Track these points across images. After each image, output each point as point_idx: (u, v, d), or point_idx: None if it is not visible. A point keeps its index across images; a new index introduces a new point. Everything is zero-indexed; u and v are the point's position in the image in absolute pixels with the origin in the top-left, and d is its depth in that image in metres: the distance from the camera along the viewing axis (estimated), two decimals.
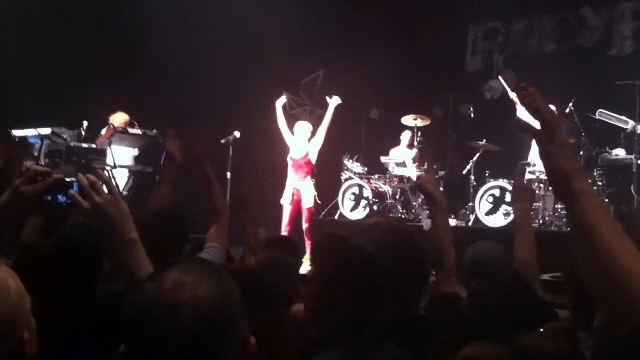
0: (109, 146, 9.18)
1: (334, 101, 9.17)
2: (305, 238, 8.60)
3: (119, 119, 9.42)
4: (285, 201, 8.93)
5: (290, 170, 9.00)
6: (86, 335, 2.39)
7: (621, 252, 1.40)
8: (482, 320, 2.40)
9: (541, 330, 2.15)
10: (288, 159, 9.06)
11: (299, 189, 8.89)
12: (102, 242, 3.03)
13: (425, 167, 9.58)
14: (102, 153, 9.17)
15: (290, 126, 9.25)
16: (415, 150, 10.25)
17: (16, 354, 1.61)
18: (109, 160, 9.16)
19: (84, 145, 9.12)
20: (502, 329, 2.21)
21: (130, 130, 9.55)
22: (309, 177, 8.96)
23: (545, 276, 4.67)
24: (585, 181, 1.53)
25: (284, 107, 9.45)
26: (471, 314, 2.51)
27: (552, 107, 2.93)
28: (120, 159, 9.32)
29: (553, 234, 8.11)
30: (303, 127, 9.20)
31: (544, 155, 1.51)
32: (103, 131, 9.31)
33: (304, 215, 8.83)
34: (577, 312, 2.94)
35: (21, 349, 1.62)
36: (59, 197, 1.87)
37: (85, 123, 9.36)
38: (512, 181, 8.84)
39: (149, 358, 1.28)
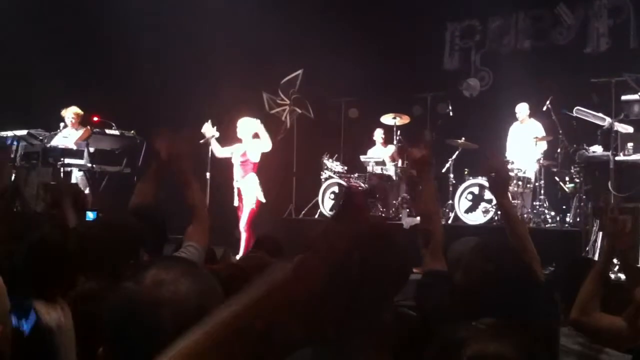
0: (87, 147, 9.11)
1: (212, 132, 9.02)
2: (245, 234, 8.56)
3: (69, 113, 9.29)
4: (236, 202, 8.86)
5: (234, 170, 8.91)
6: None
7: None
8: (476, 295, 2.39)
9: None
10: (232, 158, 8.94)
11: (239, 188, 8.81)
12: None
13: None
14: (79, 154, 9.09)
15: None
16: (392, 148, 10.26)
17: None
18: (87, 161, 9.09)
19: (61, 146, 9.04)
20: (497, 304, 2.23)
21: (108, 131, 9.48)
22: (250, 175, 8.78)
23: None
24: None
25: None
26: (464, 289, 2.49)
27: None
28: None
29: (531, 230, 8.14)
30: (246, 124, 8.92)
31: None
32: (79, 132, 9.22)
33: (244, 214, 8.75)
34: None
35: None
36: None
37: (62, 125, 9.29)
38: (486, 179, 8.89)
39: (130, 358, 1.26)
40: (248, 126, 8.90)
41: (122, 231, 3.10)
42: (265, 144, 8.83)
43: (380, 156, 10.20)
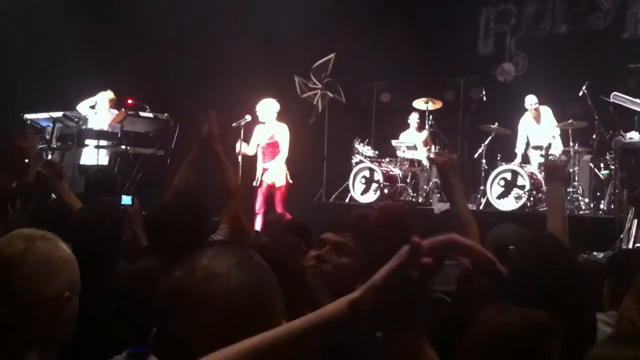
0: (121, 130, 9.21)
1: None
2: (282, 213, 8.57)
3: (104, 97, 9.39)
4: (256, 183, 8.86)
5: (259, 153, 8.91)
6: (101, 319, 2.42)
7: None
8: (524, 287, 2.39)
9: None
10: (256, 140, 8.93)
11: (265, 169, 8.81)
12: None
13: (436, 150, 9.54)
14: (114, 136, 9.20)
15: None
16: (425, 133, 10.20)
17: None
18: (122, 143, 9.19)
19: (96, 128, 9.16)
20: (542, 293, 2.22)
21: (142, 114, 9.57)
22: (277, 157, 8.76)
23: None
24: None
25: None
26: (511, 281, 2.50)
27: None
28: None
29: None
30: (268, 106, 8.88)
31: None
32: (112, 114, 9.31)
33: (276, 196, 8.77)
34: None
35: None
36: None
37: (97, 106, 9.37)
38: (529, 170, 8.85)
39: (176, 348, 1.26)
40: (270, 107, 8.86)
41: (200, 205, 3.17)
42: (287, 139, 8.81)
43: (413, 140, 10.14)
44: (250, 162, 9.08)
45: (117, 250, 3.00)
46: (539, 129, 9.41)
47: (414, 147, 10.03)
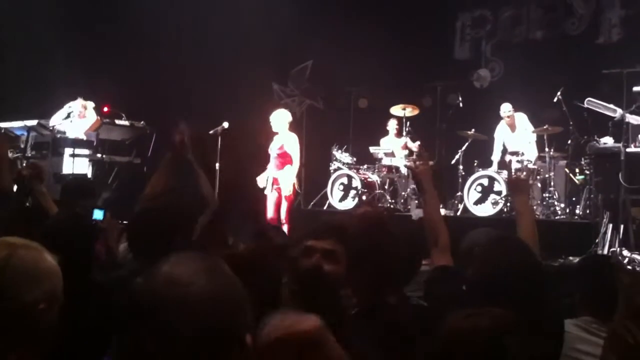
0: (97, 138, 9.14)
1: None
2: (285, 224, 8.60)
3: (77, 105, 9.33)
4: (267, 191, 8.90)
5: (271, 161, 8.95)
6: (83, 320, 2.41)
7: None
8: (487, 288, 2.43)
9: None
10: (269, 150, 9.00)
11: (276, 178, 8.84)
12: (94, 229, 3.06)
13: (415, 155, 9.57)
14: (89, 144, 9.13)
15: None
16: (404, 139, 10.23)
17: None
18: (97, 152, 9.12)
19: (71, 136, 9.08)
20: (504, 293, 2.26)
21: (118, 122, 9.51)
22: (287, 167, 8.82)
23: None
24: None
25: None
26: (476, 282, 2.55)
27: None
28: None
29: (540, 222, 8.12)
30: (281, 116, 8.93)
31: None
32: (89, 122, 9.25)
33: (284, 205, 8.80)
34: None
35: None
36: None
37: (72, 115, 9.31)
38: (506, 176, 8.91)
39: (135, 354, 1.25)
40: (282, 117, 8.89)
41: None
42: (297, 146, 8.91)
43: (392, 147, 10.17)
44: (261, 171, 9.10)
45: (90, 256, 2.98)
46: (515, 136, 9.51)
47: (392, 154, 10.06)
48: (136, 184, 8.36)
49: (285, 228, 8.60)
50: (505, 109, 9.48)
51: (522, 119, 9.49)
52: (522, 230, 3.21)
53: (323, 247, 2.66)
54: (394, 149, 10.14)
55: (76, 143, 9.05)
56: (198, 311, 1.23)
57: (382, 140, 10.43)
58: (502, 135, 9.62)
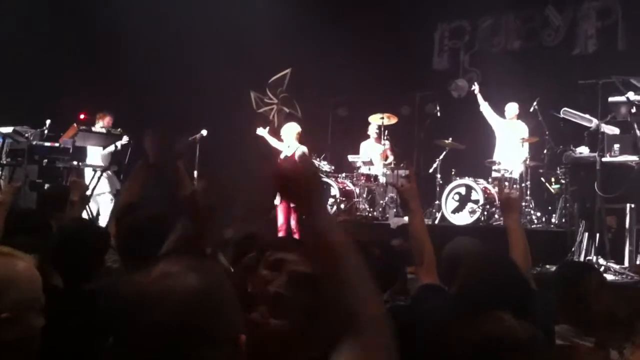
0: (73, 145, 9.04)
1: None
2: (296, 233, 8.62)
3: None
4: (277, 201, 8.95)
5: None
6: (75, 327, 2.38)
7: None
8: (470, 305, 2.44)
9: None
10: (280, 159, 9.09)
11: None
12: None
13: (403, 171, 9.64)
14: (65, 152, 9.03)
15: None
16: (384, 145, 10.24)
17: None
18: (73, 159, 9.02)
19: (47, 144, 8.98)
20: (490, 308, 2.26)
21: (94, 129, 9.42)
22: None
23: None
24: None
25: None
26: (458, 299, 2.56)
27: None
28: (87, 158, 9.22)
29: None
30: (290, 128, 9.25)
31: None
32: None
33: (293, 214, 8.84)
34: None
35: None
36: None
37: (48, 122, 9.21)
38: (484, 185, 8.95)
39: (132, 349, 1.26)
40: (291, 130, 9.18)
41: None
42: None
43: (371, 152, 10.19)
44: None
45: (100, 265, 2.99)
46: (508, 141, 9.51)
47: (370, 162, 10.07)
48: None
49: (296, 237, 8.63)
50: (511, 109, 9.51)
51: (521, 127, 9.46)
52: (513, 248, 3.24)
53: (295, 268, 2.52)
54: (373, 154, 10.15)
55: (52, 150, 8.95)
56: (188, 305, 1.26)
57: (363, 144, 10.44)
58: (501, 136, 9.62)
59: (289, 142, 9.13)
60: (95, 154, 9.44)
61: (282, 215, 8.92)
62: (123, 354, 1.27)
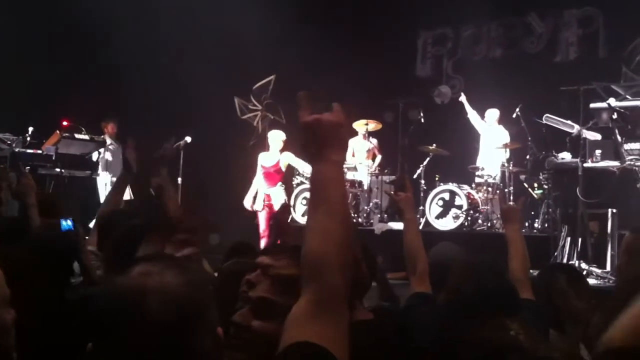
0: (55, 152, 8.99)
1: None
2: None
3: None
4: (258, 207, 8.99)
5: (261, 178, 9.10)
6: (56, 337, 2.37)
7: None
8: (460, 314, 2.47)
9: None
10: (259, 166, 9.12)
11: (269, 195, 8.97)
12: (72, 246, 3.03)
13: (387, 177, 9.70)
14: (47, 159, 8.97)
15: None
16: (371, 143, 10.26)
17: None
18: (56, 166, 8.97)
19: (29, 151, 8.92)
20: (479, 322, 2.28)
21: (78, 136, 9.37)
22: (279, 184, 9.11)
23: None
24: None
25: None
26: (448, 307, 2.58)
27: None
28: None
29: (499, 235, 8.21)
30: (276, 136, 9.30)
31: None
32: None
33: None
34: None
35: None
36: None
37: (30, 129, 9.14)
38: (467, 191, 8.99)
39: (120, 349, 1.28)
40: (277, 137, 9.24)
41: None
42: (292, 162, 9.23)
43: (357, 148, 10.23)
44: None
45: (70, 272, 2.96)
46: (490, 147, 9.57)
47: (354, 169, 10.09)
48: (95, 198, 8.30)
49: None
50: (491, 115, 9.61)
51: (502, 133, 9.54)
52: (513, 258, 3.24)
53: (276, 273, 2.49)
54: (358, 150, 10.17)
55: (35, 157, 8.89)
56: (174, 297, 1.30)
57: (350, 141, 10.46)
58: (483, 142, 9.68)
59: (274, 148, 9.17)
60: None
61: (264, 222, 8.92)
62: (106, 351, 1.29)
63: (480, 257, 2.97)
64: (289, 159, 9.20)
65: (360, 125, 10.37)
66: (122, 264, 2.77)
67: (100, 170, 9.59)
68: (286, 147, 9.25)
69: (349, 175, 10.08)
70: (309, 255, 1.44)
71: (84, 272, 3.22)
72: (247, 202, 9.13)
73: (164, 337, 1.27)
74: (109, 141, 9.82)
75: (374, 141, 10.27)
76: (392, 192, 3.58)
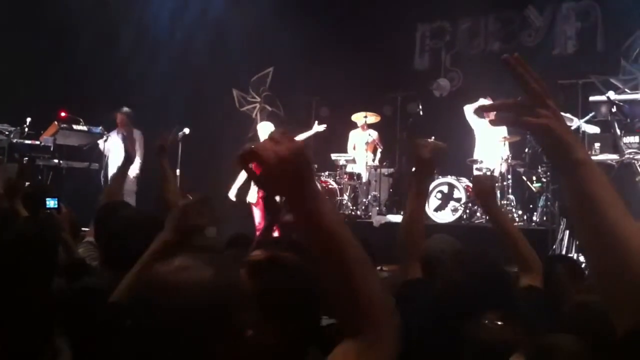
0: (53, 143, 8.98)
1: (318, 127, 9.66)
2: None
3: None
4: (252, 199, 8.96)
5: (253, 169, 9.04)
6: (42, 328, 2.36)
7: (628, 230, 1.23)
8: (453, 302, 2.47)
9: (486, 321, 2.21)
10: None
11: None
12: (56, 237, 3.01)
13: (386, 170, 9.68)
14: (45, 150, 8.96)
15: None
16: (370, 133, 10.25)
17: None
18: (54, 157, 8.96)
19: (27, 142, 8.90)
20: (472, 310, 2.28)
21: (76, 127, 9.35)
22: None
23: None
24: (585, 151, 1.36)
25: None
26: (442, 296, 2.56)
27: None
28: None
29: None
30: (266, 127, 9.30)
31: (536, 132, 1.34)
32: None
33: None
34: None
35: None
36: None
37: (28, 120, 9.12)
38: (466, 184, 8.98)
39: (145, 336, 1.31)
40: (267, 129, 9.21)
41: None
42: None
43: (357, 140, 10.25)
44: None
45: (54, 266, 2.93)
46: (488, 140, 9.55)
47: (353, 161, 10.10)
48: (93, 190, 8.27)
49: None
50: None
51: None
52: (516, 245, 3.01)
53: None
54: (358, 142, 10.16)
55: (32, 148, 8.88)
56: (203, 294, 1.31)
57: (351, 133, 10.49)
58: (481, 135, 9.64)
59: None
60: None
61: (259, 215, 8.90)
62: (140, 336, 1.32)
63: (472, 247, 2.89)
64: None
65: (359, 118, 10.38)
66: (116, 255, 2.79)
67: (109, 161, 9.41)
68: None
69: (348, 168, 10.08)
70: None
71: (63, 249, 3.25)
72: (232, 193, 9.09)
73: (186, 332, 1.28)
74: (117, 132, 9.59)
75: (374, 134, 10.26)
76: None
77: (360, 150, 10.20)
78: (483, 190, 3.14)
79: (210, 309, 1.31)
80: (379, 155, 10.27)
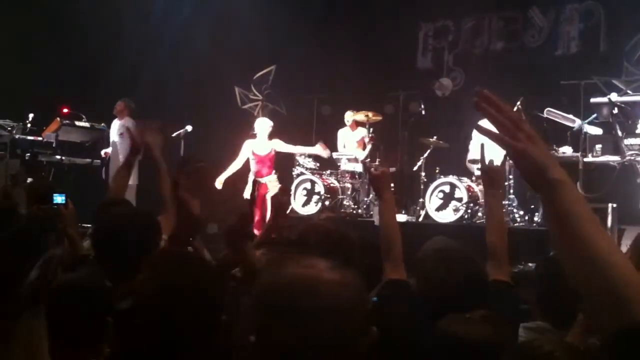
0: (56, 139, 8.99)
1: (319, 150, 9.56)
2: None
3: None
4: (248, 196, 8.97)
5: (254, 166, 9.07)
6: None
7: (601, 244, 1.32)
8: (433, 303, 2.50)
9: (467, 316, 2.24)
10: (250, 154, 9.10)
11: (265, 184, 8.97)
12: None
13: (377, 163, 9.63)
14: (47, 146, 8.97)
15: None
16: (361, 131, 10.23)
17: None
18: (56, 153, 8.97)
19: (29, 137, 8.91)
20: (452, 311, 2.31)
21: (78, 123, 9.36)
22: (273, 172, 9.15)
23: None
24: (560, 170, 1.43)
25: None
26: (422, 297, 2.60)
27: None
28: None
29: None
30: (263, 123, 9.32)
31: (513, 156, 1.43)
32: None
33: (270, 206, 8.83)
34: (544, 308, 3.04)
35: None
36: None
37: (30, 115, 9.13)
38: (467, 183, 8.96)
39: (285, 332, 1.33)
40: (265, 124, 9.29)
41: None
42: (282, 149, 9.36)
43: (347, 140, 10.24)
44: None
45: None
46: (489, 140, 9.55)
47: (355, 160, 10.10)
48: (95, 186, 8.28)
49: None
50: None
51: None
52: (492, 233, 3.05)
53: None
54: (348, 142, 10.17)
55: (35, 144, 8.89)
56: (334, 297, 1.34)
57: (340, 132, 10.46)
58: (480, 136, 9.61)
59: (262, 135, 9.21)
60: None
61: (257, 211, 8.89)
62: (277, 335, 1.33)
63: (453, 247, 2.88)
64: (278, 145, 9.26)
65: (348, 117, 10.35)
66: (108, 251, 2.81)
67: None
68: (273, 134, 9.28)
69: (349, 167, 10.08)
70: None
71: (69, 244, 3.27)
72: (219, 182, 9.09)
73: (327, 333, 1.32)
74: (120, 124, 9.52)
75: (364, 131, 10.23)
76: (370, 169, 3.52)
77: (351, 148, 10.21)
78: (493, 179, 3.23)
79: (357, 306, 1.36)
80: (367, 151, 10.22)
